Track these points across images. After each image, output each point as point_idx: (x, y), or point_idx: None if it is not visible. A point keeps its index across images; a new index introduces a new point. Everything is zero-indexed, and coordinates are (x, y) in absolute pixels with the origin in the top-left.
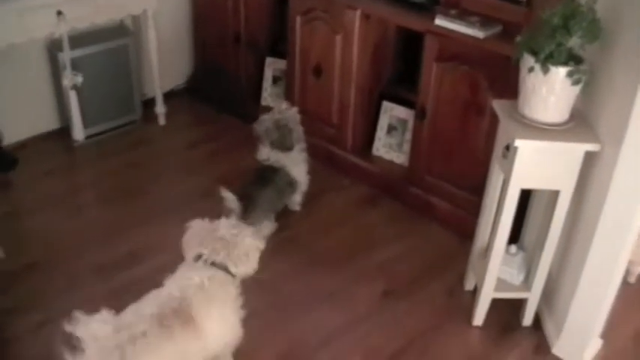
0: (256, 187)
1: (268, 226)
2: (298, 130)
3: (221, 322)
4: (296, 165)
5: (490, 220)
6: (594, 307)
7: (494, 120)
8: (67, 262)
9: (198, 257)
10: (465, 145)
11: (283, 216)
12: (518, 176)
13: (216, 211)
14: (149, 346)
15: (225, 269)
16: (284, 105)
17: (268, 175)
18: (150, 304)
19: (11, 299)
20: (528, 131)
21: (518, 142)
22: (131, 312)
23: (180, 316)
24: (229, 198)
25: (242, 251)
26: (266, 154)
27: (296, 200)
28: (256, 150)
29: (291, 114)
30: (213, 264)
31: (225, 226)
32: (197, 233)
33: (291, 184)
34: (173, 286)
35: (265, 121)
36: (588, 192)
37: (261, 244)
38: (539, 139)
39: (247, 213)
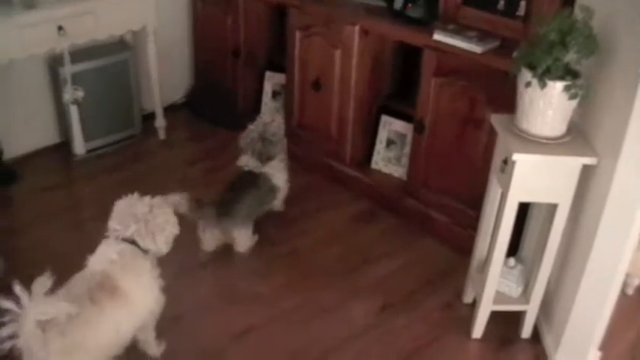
0: (235, 192)
1: (246, 235)
2: (282, 142)
3: (142, 289)
4: (277, 172)
5: (488, 233)
6: (593, 319)
7: (492, 134)
8: (68, 276)
9: (114, 231)
10: (463, 159)
11: (281, 231)
12: (516, 190)
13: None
14: (86, 322)
15: (134, 243)
16: (268, 117)
17: (248, 180)
18: (77, 283)
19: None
20: (526, 145)
21: (516, 156)
22: (62, 294)
23: (106, 288)
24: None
25: (153, 227)
26: (246, 161)
27: (277, 204)
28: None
29: (275, 126)
30: (123, 239)
31: (143, 203)
32: (119, 210)
33: (272, 190)
34: (93, 262)
35: (251, 133)
36: (586, 205)
37: (173, 220)
38: (536, 153)
39: (224, 217)
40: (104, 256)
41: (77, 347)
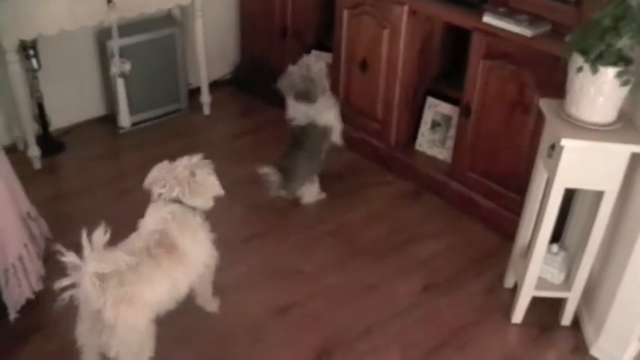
0: (289, 155)
1: (312, 190)
2: (324, 83)
3: (197, 245)
4: (325, 112)
5: (532, 218)
6: (635, 310)
7: (540, 119)
8: (112, 244)
9: (159, 196)
10: (509, 144)
11: (325, 209)
12: (562, 176)
13: (264, 196)
14: (143, 275)
15: (181, 203)
16: (312, 58)
17: (298, 138)
18: (135, 241)
19: (57, 277)
20: (575, 131)
21: (565, 142)
22: (121, 248)
23: (164, 244)
24: (267, 172)
25: (195, 187)
26: (292, 110)
27: (336, 141)
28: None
29: (317, 68)
30: (171, 200)
31: (182, 164)
32: (158, 174)
33: (325, 132)
34: (147, 223)
35: (291, 76)
36: (633, 193)
37: (213, 179)
38: (585, 139)
39: (288, 182)
40: (157, 216)
41: (134, 298)
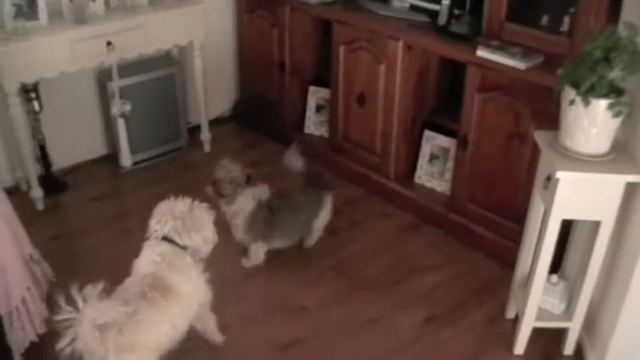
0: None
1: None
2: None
3: (190, 284)
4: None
5: (531, 249)
6: (637, 337)
7: (537, 149)
8: (115, 284)
9: (154, 232)
10: (507, 174)
11: (327, 243)
12: (559, 207)
13: None
14: (142, 320)
15: (172, 242)
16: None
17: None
18: (130, 286)
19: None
20: (569, 163)
21: (560, 174)
22: (117, 296)
23: (157, 287)
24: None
25: (190, 225)
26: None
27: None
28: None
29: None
30: (162, 238)
31: (185, 202)
32: (159, 209)
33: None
34: (140, 265)
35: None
36: (630, 222)
37: (211, 224)
38: (580, 171)
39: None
40: (148, 259)
41: (135, 344)
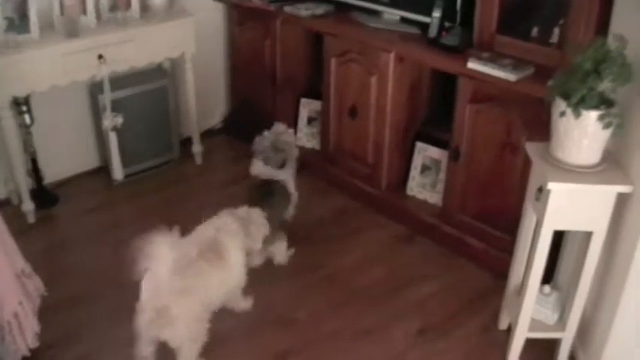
0: (264, 204)
1: (282, 248)
2: (293, 152)
3: (237, 260)
4: (289, 180)
5: (524, 259)
6: (630, 348)
7: (528, 160)
8: (108, 297)
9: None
10: (498, 185)
11: (319, 254)
12: (551, 218)
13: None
14: (200, 269)
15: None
16: (281, 127)
17: (270, 189)
18: (193, 241)
19: (53, 332)
20: (561, 174)
21: (551, 185)
22: (182, 245)
23: (215, 251)
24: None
25: (253, 226)
26: (258, 169)
27: (290, 212)
28: (250, 164)
29: (287, 137)
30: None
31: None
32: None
33: (287, 198)
34: (209, 227)
35: (263, 140)
36: (621, 233)
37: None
38: (571, 182)
39: None
40: (221, 224)
41: (190, 291)
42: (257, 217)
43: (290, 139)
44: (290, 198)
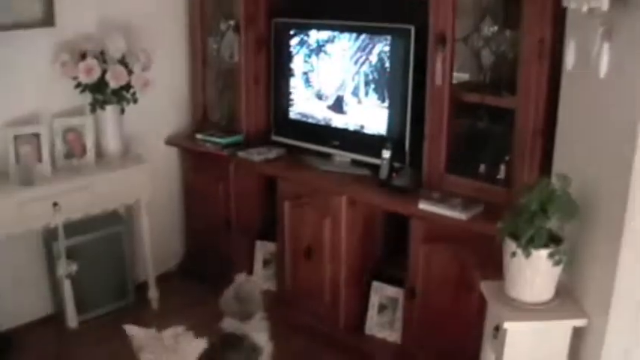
0: (219, 352)
1: None
2: (257, 300)
3: None
4: (257, 332)
5: None
6: None
7: (485, 296)
8: None
9: None
10: (456, 322)
11: None
12: (509, 357)
13: None
14: None
15: None
16: (242, 277)
17: (231, 341)
18: None
19: None
20: (516, 313)
21: (507, 325)
22: None
23: None
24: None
25: (182, 353)
26: (227, 323)
27: None
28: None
29: (249, 286)
30: None
31: (169, 334)
32: (146, 343)
33: (255, 350)
34: None
35: (225, 294)
36: None
37: (201, 344)
38: (527, 320)
39: None
40: None
41: None
42: (184, 339)
43: (252, 287)
44: (258, 351)
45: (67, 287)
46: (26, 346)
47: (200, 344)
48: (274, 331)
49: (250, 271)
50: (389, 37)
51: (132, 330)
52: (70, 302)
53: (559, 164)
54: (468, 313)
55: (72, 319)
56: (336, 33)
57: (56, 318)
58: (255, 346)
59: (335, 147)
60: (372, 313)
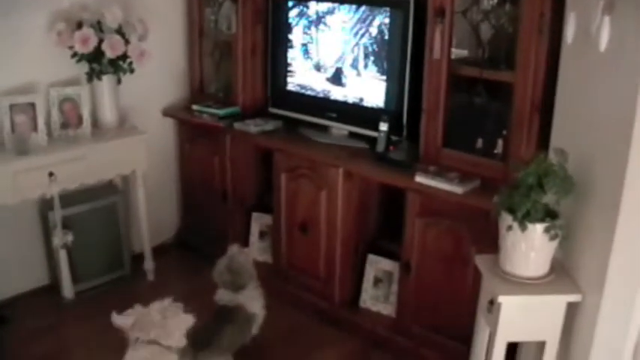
0: (214, 325)
1: None
2: (250, 271)
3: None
4: (251, 300)
5: None
6: None
7: (479, 271)
8: None
9: (136, 340)
10: (451, 296)
11: None
12: (503, 330)
13: None
14: None
15: (159, 344)
16: (235, 248)
17: (225, 314)
18: None
19: None
20: (511, 287)
21: (502, 299)
22: None
23: None
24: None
25: (170, 328)
26: (220, 294)
27: (255, 332)
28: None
29: (242, 257)
30: (149, 342)
31: (155, 309)
32: (134, 319)
33: (249, 319)
34: None
35: (219, 265)
36: (574, 341)
37: (188, 319)
38: (521, 294)
39: (203, 350)
40: (138, 357)
41: None
42: (172, 313)
43: (244, 259)
44: (253, 319)
45: (62, 257)
46: (22, 317)
47: (187, 319)
48: (269, 304)
49: (246, 243)
50: (388, 9)
51: (118, 320)
52: (65, 273)
53: (557, 139)
54: (462, 288)
55: (68, 290)
56: (336, 5)
57: (52, 289)
58: (249, 315)
59: (332, 119)
60: (367, 286)
